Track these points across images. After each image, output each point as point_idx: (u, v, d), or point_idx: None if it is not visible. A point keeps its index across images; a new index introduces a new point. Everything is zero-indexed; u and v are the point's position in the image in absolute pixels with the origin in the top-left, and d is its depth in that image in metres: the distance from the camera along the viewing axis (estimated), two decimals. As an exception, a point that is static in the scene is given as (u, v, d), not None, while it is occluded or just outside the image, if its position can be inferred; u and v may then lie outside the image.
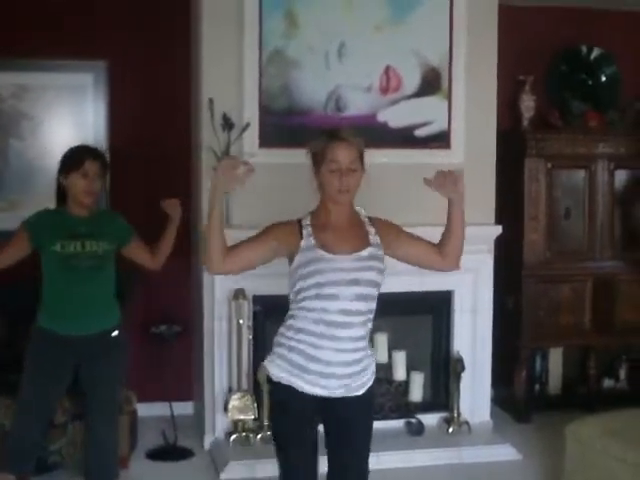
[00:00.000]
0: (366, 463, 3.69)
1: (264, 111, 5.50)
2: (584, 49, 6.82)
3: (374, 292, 3.53)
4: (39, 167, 5.93)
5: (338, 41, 5.59)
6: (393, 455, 5.44)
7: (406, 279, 5.63)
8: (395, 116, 5.73)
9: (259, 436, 5.46)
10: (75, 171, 4.44)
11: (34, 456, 4.69)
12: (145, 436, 5.70)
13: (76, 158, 4.49)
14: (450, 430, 5.81)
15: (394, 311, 5.86)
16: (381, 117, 5.71)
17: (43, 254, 4.46)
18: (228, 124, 5.36)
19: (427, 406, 5.94)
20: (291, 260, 3.51)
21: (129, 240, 4.66)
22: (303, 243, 3.49)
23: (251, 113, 5.47)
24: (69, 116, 6.04)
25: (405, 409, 5.84)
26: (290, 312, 3.56)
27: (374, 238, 3.59)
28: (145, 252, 4.75)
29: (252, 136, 5.47)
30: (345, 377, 3.50)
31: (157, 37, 6.06)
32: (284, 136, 5.53)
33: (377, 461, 5.28)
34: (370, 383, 3.61)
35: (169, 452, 5.60)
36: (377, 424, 5.62)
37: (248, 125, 5.42)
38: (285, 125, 5.54)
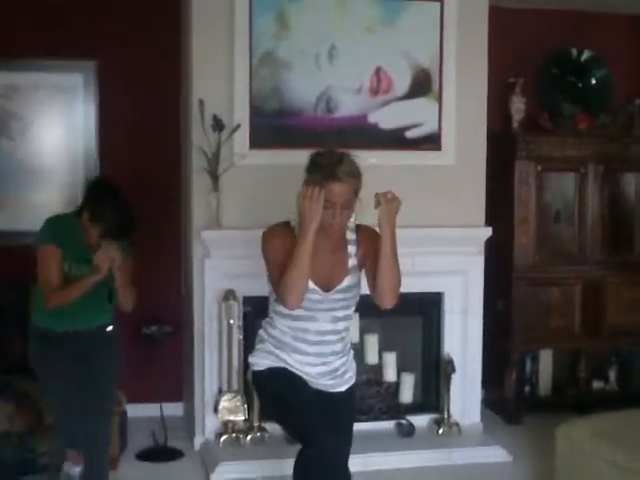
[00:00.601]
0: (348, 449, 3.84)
1: (255, 112, 5.49)
2: (574, 52, 6.83)
3: (351, 311, 3.70)
4: (28, 167, 5.93)
5: (329, 43, 5.59)
6: (383, 456, 5.44)
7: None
8: (386, 117, 5.72)
9: (249, 437, 5.46)
10: (94, 223, 4.32)
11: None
12: (135, 437, 5.69)
13: (105, 218, 4.32)
14: (440, 431, 5.81)
15: (385, 312, 5.83)
16: (372, 118, 5.70)
17: None
18: (218, 125, 5.35)
19: (417, 407, 5.94)
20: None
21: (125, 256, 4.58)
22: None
23: (241, 114, 5.46)
24: (59, 116, 6.03)
25: (395, 410, 5.84)
26: (271, 320, 3.63)
27: (352, 261, 3.68)
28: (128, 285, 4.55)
29: (242, 137, 5.46)
30: (326, 384, 3.72)
31: (147, 37, 6.05)
32: (275, 137, 5.53)
33: (367, 462, 5.33)
34: (352, 381, 3.80)
35: (159, 453, 5.58)
36: (367, 425, 5.72)
37: (238, 126, 5.41)
38: (276, 126, 5.54)
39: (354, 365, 3.82)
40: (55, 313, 4.44)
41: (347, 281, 3.64)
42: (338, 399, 3.75)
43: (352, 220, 3.72)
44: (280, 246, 3.60)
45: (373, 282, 3.65)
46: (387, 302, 3.67)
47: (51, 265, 4.33)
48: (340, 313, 3.63)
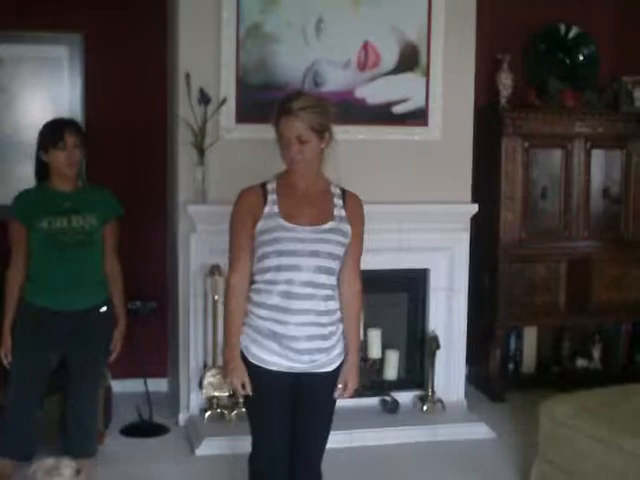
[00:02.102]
0: (323, 435, 3.74)
1: (241, 86, 5.46)
2: (562, 28, 6.80)
3: (335, 265, 3.53)
4: (15, 141, 5.87)
5: (316, 16, 5.54)
6: (367, 433, 5.46)
7: (382, 257, 5.64)
8: (373, 92, 5.69)
9: (234, 412, 5.45)
10: (54, 145, 4.47)
11: (32, 438, 4.70)
12: (120, 412, 5.68)
13: (55, 132, 4.51)
14: (425, 408, 5.82)
15: (369, 289, 5.77)
16: (359, 93, 5.68)
17: (31, 231, 4.47)
18: (205, 99, 5.32)
19: (402, 384, 5.94)
20: (255, 225, 3.51)
21: (111, 216, 4.63)
22: (266, 210, 3.50)
23: (228, 88, 5.43)
24: (44, 89, 5.97)
25: (380, 387, 5.84)
26: (253, 285, 3.55)
27: (339, 211, 3.57)
28: (109, 245, 4.70)
29: (229, 111, 5.44)
30: (312, 352, 3.51)
31: (133, 10, 6.00)
32: (261, 111, 5.40)
33: (351, 438, 5.36)
34: (339, 361, 3.62)
35: (144, 428, 5.58)
36: (352, 402, 5.69)
37: (225, 100, 5.39)
38: (262, 100, 5.49)
39: (342, 344, 3.63)
40: (49, 291, 4.47)
41: (330, 225, 3.51)
42: (318, 387, 3.60)
43: (336, 185, 3.64)
44: (244, 209, 3.56)
45: (348, 258, 3.61)
46: (346, 290, 3.67)
47: (14, 242, 4.57)
48: (324, 262, 3.47)
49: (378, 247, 5.64)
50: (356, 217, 3.63)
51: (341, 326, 3.61)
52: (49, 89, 5.99)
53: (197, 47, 5.43)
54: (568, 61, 6.84)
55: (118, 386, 5.79)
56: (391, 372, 5.86)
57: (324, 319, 3.51)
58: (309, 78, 5.58)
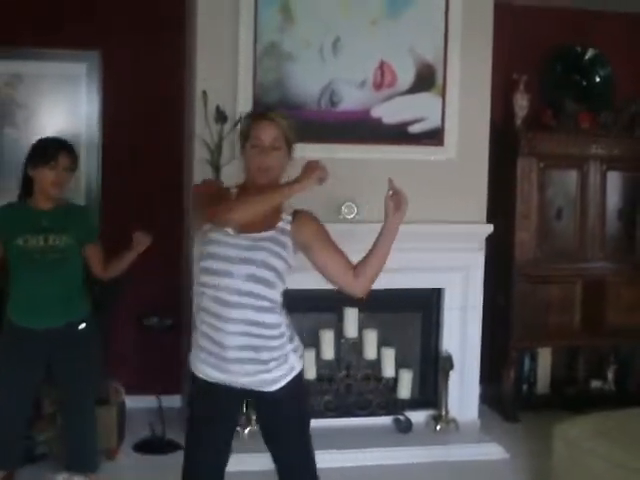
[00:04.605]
0: (300, 462, 3.64)
1: (258, 104, 5.47)
2: (578, 50, 6.82)
3: (271, 277, 3.41)
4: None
5: (333, 35, 5.57)
6: (380, 452, 5.45)
7: (397, 276, 5.63)
8: (389, 112, 5.71)
9: (247, 430, 5.45)
10: (45, 163, 4.44)
11: (17, 451, 4.69)
12: (133, 428, 5.68)
13: (49, 150, 4.49)
14: (438, 428, 5.81)
15: (384, 308, 5.87)
16: (375, 113, 5.69)
17: (8, 249, 4.46)
18: (221, 117, 5.34)
19: (415, 403, 5.93)
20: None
21: (89, 242, 4.63)
22: None
23: (244, 106, 5.44)
24: (63, 105, 6.02)
25: (393, 406, 5.83)
26: (195, 285, 3.56)
27: (284, 225, 3.50)
28: (98, 262, 4.68)
29: (245, 129, 5.45)
30: (243, 361, 3.41)
31: (151, 27, 6.04)
32: (277, 130, 5.51)
33: (364, 457, 5.36)
34: (284, 381, 3.50)
35: (157, 445, 5.58)
36: (365, 420, 5.72)
37: (241, 118, 5.40)
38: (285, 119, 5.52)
39: (286, 366, 3.49)
40: (26, 309, 4.47)
41: (269, 233, 3.44)
42: (272, 410, 3.53)
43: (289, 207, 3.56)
44: (215, 191, 3.58)
45: (339, 264, 3.53)
46: (366, 286, 3.58)
47: None
48: (258, 271, 3.38)
49: (393, 266, 5.64)
50: (304, 230, 3.52)
51: (288, 346, 3.51)
52: (67, 106, 6.03)
53: (214, 65, 5.45)
54: (584, 82, 6.85)
55: (132, 402, 5.79)
56: (405, 391, 5.85)
57: (254, 330, 3.40)
58: (325, 97, 5.60)
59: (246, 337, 3.39)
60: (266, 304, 3.43)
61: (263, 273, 3.41)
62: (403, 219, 3.54)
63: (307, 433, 3.62)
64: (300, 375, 3.58)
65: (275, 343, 3.46)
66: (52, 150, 4.47)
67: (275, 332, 3.46)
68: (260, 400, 3.54)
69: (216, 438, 3.57)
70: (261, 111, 3.65)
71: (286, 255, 3.48)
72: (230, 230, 3.42)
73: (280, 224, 3.49)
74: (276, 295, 3.47)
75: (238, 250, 3.40)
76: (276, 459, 3.61)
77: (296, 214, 3.55)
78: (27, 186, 4.54)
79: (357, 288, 3.58)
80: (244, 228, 3.41)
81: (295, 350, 3.55)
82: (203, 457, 3.56)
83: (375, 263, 3.55)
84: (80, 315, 4.59)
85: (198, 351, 3.50)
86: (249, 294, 3.39)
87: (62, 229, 4.48)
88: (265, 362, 3.43)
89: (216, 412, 3.54)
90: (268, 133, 3.47)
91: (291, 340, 3.55)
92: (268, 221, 3.47)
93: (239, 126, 3.67)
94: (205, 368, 3.47)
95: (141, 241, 4.69)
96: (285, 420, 3.56)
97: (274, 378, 3.47)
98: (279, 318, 3.49)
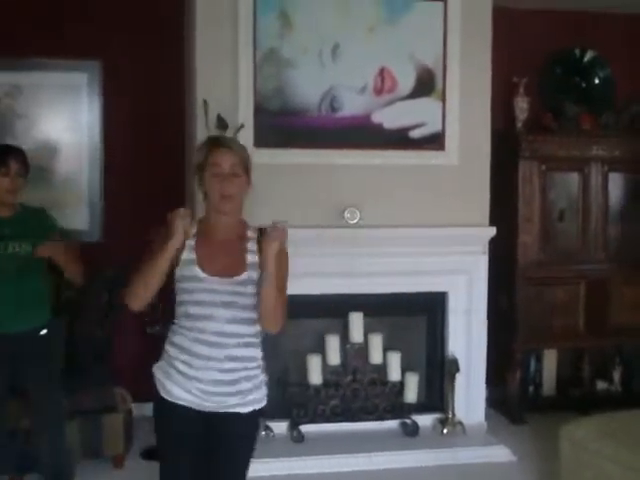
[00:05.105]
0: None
1: (258, 111, 5.49)
2: (578, 52, 6.83)
3: (254, 315, 3.42)
4: (34, 167, 5.90)
5: (332, 42, 5.59)
6: (387, 456, 5.45)
7: (401, 280, 5.67)
8: (389, 117, 5.72)
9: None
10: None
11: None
12: (140, 436, 5.68)
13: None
14: (444, 431, 5.81)
15: (389, 312, 5.88)
16: (375, 118, 5.70)
17: None
18: (222, 125, 5.35)
19: (422, 407, 5.93)
20: (173, 268, 3.45)
21: (48, 234, 4.59)
22: (184, 255, 3.43)
23: (245, 113, 5.46)
24: (63, 115, 6.05)
25: (400, 410, 5.83)
26: (173, 325, 3.50)
27: (252, 258, 3.45)
28: (73, 261, 4.62)
29: (246, 136, 5.45)
30: (222, 395, 3.42)
31: (152, 37, 6.06)
32: (278, 136, 5.53)
33: (371, 461, 5.36)
34: (257, 406, 3.50)
35: (163, 453, 5.58)
36: (372, 425, 5.73)
37: (242, 126, 5.41)
38: (279, 125, 5.54)
39: (264, 392, 3.52)
40: None
41: (244, 276, 3.41)
42: (233, 430, 3.49)
43: (252, 226, 3.54)
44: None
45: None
46: (270, 327, 3.45)
47: None
48: (240, 313, 3.39)
49: (397, 270, 5.67)
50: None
51: (261, 376, 3.51)
52: (68, 115, 6.06)
53: (214, 73, 5.46)
54: (584, 84, 6.86)
55: (139, 409, 5.78)
56: (411, 395, 5.85)
57: (228, 365, 3.39)
58: (326, 103, 5.61)
59: (226, 373, 3.40)
60: (247, 340, 3.44)
61: (246, 314, 3.41)
62: (274, 252, 3.33)
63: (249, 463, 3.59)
64: (262, 410, 3.55)
65: (252, 373, 3.48)
66: (3, 156, 4.48)
67: (254, 364, 3.49)
68: (221, 422, 3.48)
69: (189, 464, 3.51)
70: (215, 138, 3.61)
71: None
72: (203, 273, 3.39)
73: (249, 258, 3.45)
74: (257, 329, 3.48)
75: (217, 294, 3.38)
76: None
77: (263, 234, 3.44)
78: None
79: (263, 326, 3.48)
80: (218, 270, 3.39)
81: (266, 384, 3.56)
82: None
83: (262, 299, 3.38)
84: (41, 321, 4.63)
85: (167, 379, 3.45)
86: (229, 335, 3.39)
87: (23, 236, 4.49)
88: (243, 392, 3.44)
89: (176, 433, 3.49)
90: (227, 160, 3.43)
91: (264, 371, 3.55)
92: (239, 254, 3.44)
93: (195, 155, 3.55)
94: (174, 390, 3.43)
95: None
96: (244, 441, 3.53)
97: (245, 402, 3.46)
98: (257, 351, 3.51)
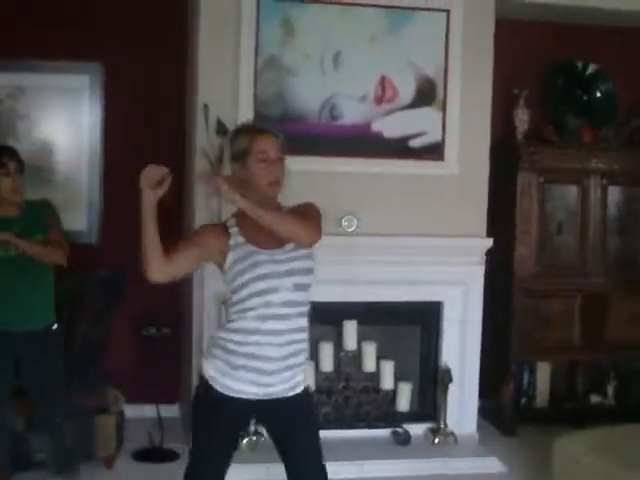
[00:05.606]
0: (320, 457, 3.67)
1: (258, 117, 5.49)
2: (580, 65, 6.84)
3: (309, 280, 3.53)
4: (33, 167, 5.93)
5: (334, 50, 5.60)
6: (378, 464, 5.45)
7: (396, 289, 5.67)
8: (389, 126, 5.72)
9: (245, 441, 5.45)
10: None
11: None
12: (131, 437, 5.69)
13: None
14: (436, 441, 5.81)
15: (383, 320, 5.89)
16: (375, 127, 5.71)
17: None
18: (222, 130, 5.36)
19: (414, 416, 5.93)
20: (222, 262, 3.49)
21: (49, 219, 4.63)
22: (232, 241, 3.49)
23: (245, 119, 5.46)
24: (65, 117, 6.07)
25: (392, 418, 5.84)
26: (230, 315, 3.53)
27: None
28: (52, 253, 4.58)
29: (246, 142, 5.47)
30: (282, 370, 3.48)
31: (153, 40, 6.08)
32: (278, 143, 5.53)
33: (362, 470, 5.36)
34: (299, 388, 3.58)
35: (155, 454, 5.59)
36: (363, 433, 5.72)
37: (234, 134, 5.40)
38: (279, 132, 5.53)
39: (302, 374, 3.60)
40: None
41: (290, 245, 3.50)
42: (290, 408, 3.56)
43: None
44: (203, 233, 3.60)
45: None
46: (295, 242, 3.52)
47: None
48: (300, 279, 3.47)
49: (393, 279, 5.67)
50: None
51: (307, 347, 3.59)
52: (69, 117, 6.07)
53: (215, 78, 5.48)
54: (585, 97, 6.86)
55: (130, 411, 5.80)
56: (403, 404, 5.85)
57: (297, 336, 3.50)
58: (326, 111, 5.62)
59: (292, 345, 3.48)
60: (304, 309, 3.54)
61: (304, 279, 3.51)
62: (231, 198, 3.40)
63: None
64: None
65: (306, 345, 3.58)
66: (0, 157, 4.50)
67: (307, 335, 3.58)
68: (276, 409, 3.55)
69: (222, 452, 3.57)
70: (259, 126, 3.72)
71: (311, 253, 3.56)
72: (255, 248, 3.47)
73: None
74: (308, 297, 3.57)
75: (279, 264, 3.46)
76: (291, 465, 3.61)
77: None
78: None
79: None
80: (267, 243, 3.47)
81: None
82: (208, 468, 3.56)
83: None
84: (49, 319, 4.66)
85: (224, 375, 3.49)
86: (293, 303, 3.47)
87: (32, 233, 4.51)
88: (300, 365, 3.54)
89: (228, 426, 3.55)
90: (273, 147, 3.54)
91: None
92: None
93: (233, 143, 3.61)
94: (230, 383, 3.48)
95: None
96: (306, 422, 3.62)
97: (297, 381, 3.56)
98: (307, 321, 3.59)
